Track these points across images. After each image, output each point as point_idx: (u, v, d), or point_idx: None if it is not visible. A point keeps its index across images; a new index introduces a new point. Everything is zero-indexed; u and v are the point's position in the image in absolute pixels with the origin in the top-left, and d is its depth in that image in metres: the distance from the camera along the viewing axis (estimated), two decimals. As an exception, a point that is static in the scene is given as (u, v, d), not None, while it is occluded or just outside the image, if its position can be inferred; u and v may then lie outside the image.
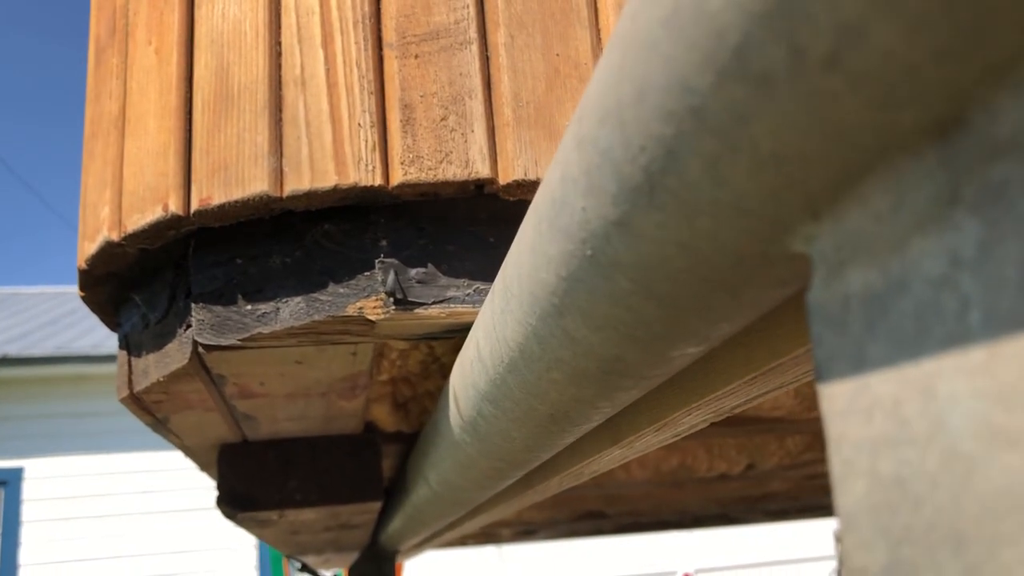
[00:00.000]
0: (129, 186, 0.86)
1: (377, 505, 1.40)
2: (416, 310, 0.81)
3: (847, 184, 0.27)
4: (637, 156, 0.32)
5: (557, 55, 0.85)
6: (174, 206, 0.82)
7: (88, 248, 0.90)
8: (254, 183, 0.80)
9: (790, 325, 0.51)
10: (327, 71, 0.82)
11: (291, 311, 0.83)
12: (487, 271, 0.83)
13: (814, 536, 8.99)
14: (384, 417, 1.37)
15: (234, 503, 1.33)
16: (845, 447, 0.29)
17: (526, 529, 4.04)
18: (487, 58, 0.84)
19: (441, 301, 0.82)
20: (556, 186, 0.42)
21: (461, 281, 0.83)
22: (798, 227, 0.30)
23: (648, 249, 0.36)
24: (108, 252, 0.89)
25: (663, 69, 0.29)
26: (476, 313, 0.82)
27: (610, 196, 0.35)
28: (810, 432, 2.09)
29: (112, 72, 0.92)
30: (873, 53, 0.22)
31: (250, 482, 1.33)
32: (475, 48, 0.84)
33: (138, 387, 0.97)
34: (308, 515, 1.45)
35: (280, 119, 0.82)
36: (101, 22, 0.95)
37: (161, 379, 0.92)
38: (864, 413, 0.28)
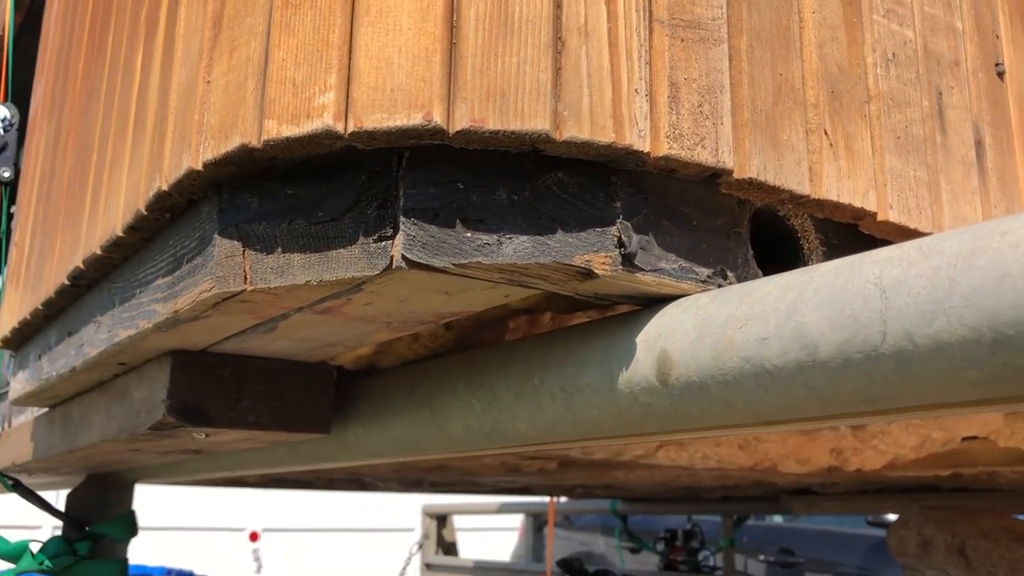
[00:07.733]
0: (369, 80, 0.82)
1: (316, 436, 1.36)
2: (636, 273, 0.87)
3: None
4: None
5: (780, 74, 0.94)
6: (438, 117, 0.80)
7: (282, 130, 0.83)
8: (535, 119, 0.81)
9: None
10: (609, 29, 0.84)
11: (515, 248, 0.84)
12: (689, 251, 0.90)
13: (393, 508, 9.34)
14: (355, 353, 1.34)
15: (184, 415, 1.22)
16: None
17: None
18: (730, 60, 0.91)
19: (655, 270, 0.88)
20: None
21: (670, 256, 0.89)
22: None
23: None
24: (314, 140, 0.83)
25: None
26: (678, 287, 0.89)
27: None
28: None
29: (342, -50, 0.85)
30: None
31: (204, 395, 1.23)
32: (725, 48, 0.90)
33: (259, 284, 0.90)
34: (229, 436, 1.37)
35: (560, 64, 0.83)
36: None
37: (312, 282, 0.87)
38: None
